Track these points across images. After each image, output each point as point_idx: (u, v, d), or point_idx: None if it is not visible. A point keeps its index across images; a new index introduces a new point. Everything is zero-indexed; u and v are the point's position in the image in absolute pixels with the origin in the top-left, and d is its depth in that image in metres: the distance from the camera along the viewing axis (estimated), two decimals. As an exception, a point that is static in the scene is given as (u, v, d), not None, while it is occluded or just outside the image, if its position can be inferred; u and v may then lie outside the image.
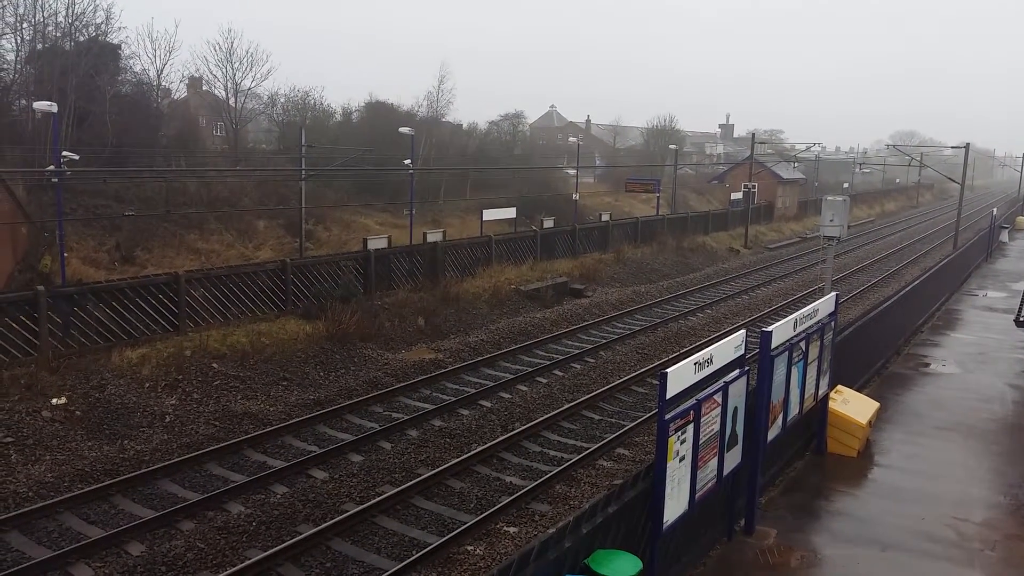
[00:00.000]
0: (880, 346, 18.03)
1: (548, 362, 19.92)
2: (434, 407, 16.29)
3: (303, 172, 29.80)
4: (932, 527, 10.32)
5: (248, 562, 10.35)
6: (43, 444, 13.65)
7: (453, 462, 13.57)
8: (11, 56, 32.54)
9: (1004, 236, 48.16)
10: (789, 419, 11.22)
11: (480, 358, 20.04)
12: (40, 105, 20.70)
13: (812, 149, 69.68)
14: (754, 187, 51.68)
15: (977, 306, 26.69)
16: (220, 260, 27.10)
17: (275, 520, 11.64)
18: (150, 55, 42.04)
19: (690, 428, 8.61)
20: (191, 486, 12.69)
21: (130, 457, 13.56)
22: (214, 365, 17.27)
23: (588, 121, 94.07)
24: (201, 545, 10.90)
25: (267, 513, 11.82)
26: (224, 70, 42.50)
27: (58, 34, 33.12)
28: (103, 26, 34.87)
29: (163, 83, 40.91)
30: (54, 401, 14.86)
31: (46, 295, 16.61)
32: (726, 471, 9.57)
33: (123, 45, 37.75)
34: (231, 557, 10.69)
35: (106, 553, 10.65)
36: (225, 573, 10.08)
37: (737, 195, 53.66)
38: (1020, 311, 11.97)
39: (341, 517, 11.56)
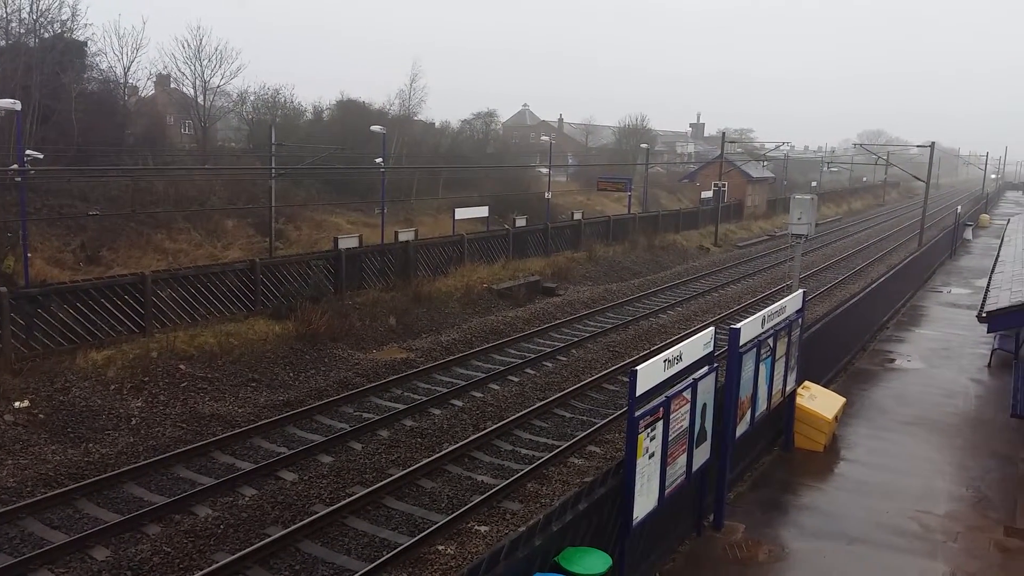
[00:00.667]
0: (846, 342, 18.30)
1: (520, 361, 19.93)
2: (405, 407, 16.22)
3: (273, 171, 29.51)
4: (896, 520, 10.49)
5: (216, 565, 10.22)
6: (5, 448, 13.37)
7: (424, 462, 13.52)
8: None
9: (968, 233, 49.09)
10: (757, 415, 11.35)
11: (452, 357, 20.00)
12: (3, 103, 20.23)
13: (781, 148, 70.53)
14: (724, 186, 52.16)
15: (941, 302, 27.18)
16: (188, 260, 26.73)
17: (243, 523, 11.52)
18: (117, 52, 41.35)
19: (660, 425, 8.67)
20: (158, 489, 12.51)
21: (95, 460, 13.33)
22: (181, 366, 17.05)
23: (560, 120, 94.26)
24: (168, 549, 10.75)
25: (235, 516, 11.69)
26: (192, 67, 41.90)
27: (22, 30, 32.44)
28: (69, 23, 34.21)
29: (130, 81, 40.24)
30: (17, 404, 14.56)
31: (9, 296, 16.26)
32: (695, 467, 9.66)
33: (89, 42, 36.95)
34: (199, 561, 10.56)
35: (70, 559, 10.46)
36: (191, 577, 9.97)
37: (707, 194, 54.12)
38: (983, 307, 12.21)
39: (311, 519, 11.47)
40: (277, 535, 10.99)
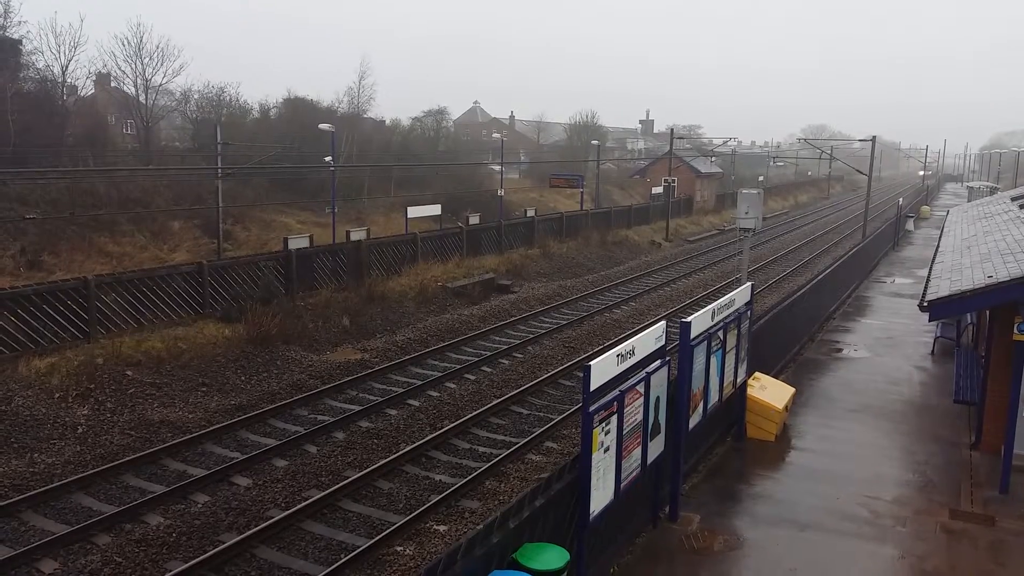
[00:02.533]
0: (795, 333, 18.71)
1: (476, 359, 19.92)
2: (361, 408, 16.08)
3: (219, 171, 28.95)
4: (846, 506, 10.76)
5: (169, 575, 10.02)
6: (-57, 462, 12.89)
7: (381, 463, 13.42)
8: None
9: (910, 225, 50.59)
10: (710, 407, 11.52)
11: (407, 357, 19.89)
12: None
13: (729, 144, 71.76)
14: (674, 181, 52.83)
15: (885, 292, 27.96)
16: (133, 263, 26.10)
17: (196, 530, 11.30)
18: (54, 51, 39.93)
19: (614, 419, 8.73)
20: (107, 499, 12.18)
21: (40, 471, 12.92)
22: (128, 373, 16.62)
23: (512, 117, 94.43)
24: (119, 559, 10.49)
25: (188, 523, 11.45)
26: (133, 66, 40.91)
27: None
28: (1, 20, 33.11)
29: (69, 80, 39.03)
30: (-46, 416, 14.04)
31: (-58, 304, 15.68)
32: (650, 460, 9.76)
33: (24, 40, 35.87)
34: (151, 570, 10.32)
35: (16, 572, 10.12)
36: (144, 587, 9.74)
37: (658, 189, 54.78)
38: (924, 296, 12.59)
39: (266, 524, 11.29)
40: (231, 541, 10.80)
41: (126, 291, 19.16)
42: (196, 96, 46.67)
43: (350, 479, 12.79)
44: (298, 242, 25.12)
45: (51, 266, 24.70)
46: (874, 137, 44.34)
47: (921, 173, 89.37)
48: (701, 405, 11.25)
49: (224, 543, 10.81)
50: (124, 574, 10.22)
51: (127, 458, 13.35)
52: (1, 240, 24.94)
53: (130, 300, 19.20)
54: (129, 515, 11.57)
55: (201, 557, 10.38)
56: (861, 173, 48.20)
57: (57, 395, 15.37)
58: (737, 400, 13.07)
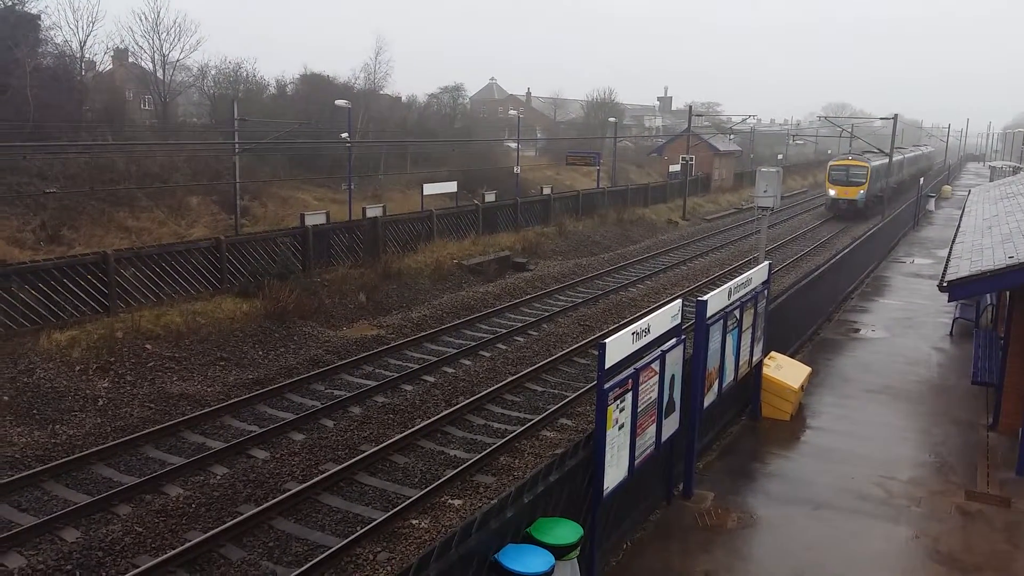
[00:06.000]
0: (812, 313, 18.59)
1: (491, 336, 19.97)
2: (377, 383, 16.19)
3: (236, 146, 29.01)
4: (861, 486, 10.74)
5: (188, 544, 10.19)
6: (-32, 432, 13.13)
7: (397, 437, 13.54)
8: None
9: (931, 205, 49.99)
10: (725, 385, 11.50)
11: (423, 333, 19.97)
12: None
13: (747, 121, 71.05)
14: (691, 160, 52.41)
15: (904, 272, 27.69)
16: (152, 238, 26.29)
17: (215, 501, 11.47)
18: (72, 26, 40.13)
19: (629, 396, 8.75)
20: (127, 470, 12.39)
21: (62, 442, 13.15)
22: (148, 346, 16.82)
23: (528, 94, 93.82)
24: (139, 529, 10.68)
25: (207, 495, 11.63)
26: (151, 41, 40.98)
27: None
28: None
29: (87, 55, 39.21)
30: (-22, 387, 14.28)
31: (-35, 277, 15.89)
32: (664, 437, 9.77)
33: (43, 15, 35.97)
34: (171, 540, 10.50)
35: (40, 540, 10.34)
36: (165, 555, 9.91)
37: (675, 167, 54.35)
38: (944, 276, 12.46)
39: (283, 496, 11.44)
40: (250, 513, 10.96)
41: (145, 266, 19.31)
42: (213, 72, 46.78)
43: (366, 453, 12.92)
44: (315, 218, 25.19)
45: (71, 240, 24.93)
46: (896, 115, 43.77)
47: (925, 149, 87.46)
48: (716, 384, 11.23)
49: (242, 514, 10.97)
50: (144, 544, 10.39)
51: (147, 430, 13.56)
52: (22, 215, 25.17)
53: (149, 275, 19.36)
54: (149, 486, 11.77)
55: (220, 528, 10.55)
56: (882, 152, 47.62)
57: (78, 368, 15.58)
58: (753, 379, 13.04)
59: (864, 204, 46.96)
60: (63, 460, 12.37)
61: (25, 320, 16.72)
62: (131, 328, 17.14)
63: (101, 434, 13.52)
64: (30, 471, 12.00)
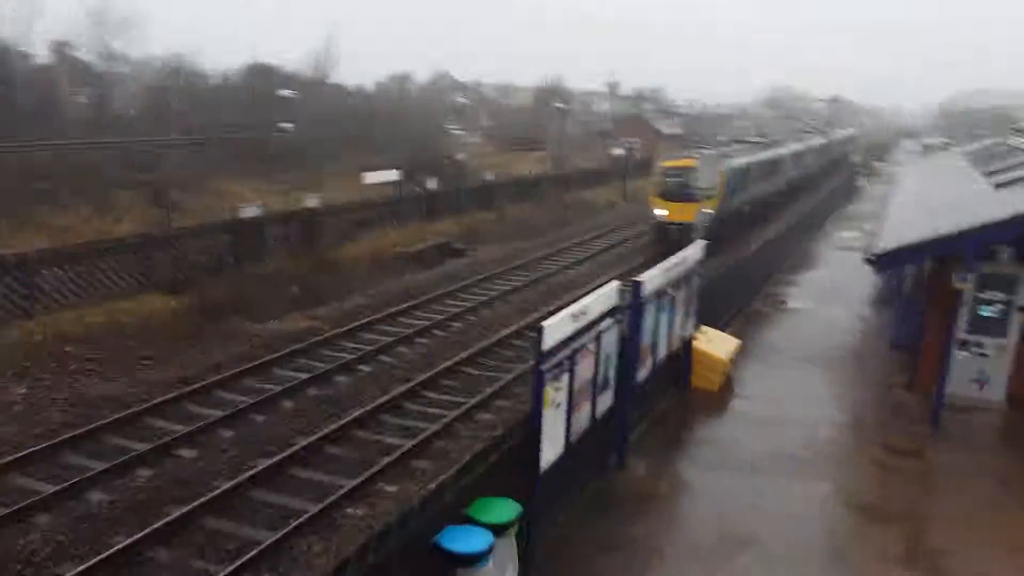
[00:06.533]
0: (743, 287, 18.94)
1: (428, 323, 19.81)
2: (310, 375, 15.90)
3: (173, 140, 28.18)
4: (785, 447, 11.03)
5: (113, 549, 9.87)
6: None
7: (330, 429, 13.33)
8: None
9: (863, 181, 51.37)
10: (658, 360, 11.68)
11: (359, 323, 19.68)
12: None
13: (692, 105, 71.96)
14: (635, 143, 52.88)
15: (833, 246, 28.39)
16: (75, 236, 25.34)
17: (141, 504, 11.12)
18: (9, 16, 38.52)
19: (565, 377, 8.84)
20: (45, 478, 11.90)
21: (-25, 453, 12.60)
22: (68, 348, 16.24)
23: (478, 83, 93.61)
24: (60, 537, 10.30)
25: (131, 498, 11.27)
26: (96, 32, 39.44)
27: None
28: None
29: (21, 48, 37.58)
30: None
31: None
32: (599, 413, 9.88)
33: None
34: (96, 546, 10.14)
35: (-48, 556, 9.91)
36: (89, 562, 9.58)
37: (618, 151, 54.77)
38: (871, 250, 12.91)
39: (213, 495, 11.17)
40: (177, 513, 10.67)
41: (68, 265, 18.66)
42: (158, 63, 45.29)
43: (298, 446, 12.69)
44: (249, 210, 24.65)
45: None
46: (834, 96, 44.71)
47: (850, 131, 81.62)
48: (650, 359, 11.38)
49: (170, 515, 10.67)
50: (67, 552, 10.03)
51: (66, 435, 13.07)
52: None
53: (72, 275, 18.72)
54: (69, 493, 11.34)
55: (147, 530, 10.24)
56: (817, 131, 48.69)
57: (-7, 374, 14.97)
58: (684, 352, 13.22)
59: (710, 230, 25.64)
60: (-24, 472, 11.84)
61: (-64, 327, 16.02)
62: (51, 330, 16.53)
63: (17, 443, 12.89)
64: (-59, 484, 11.47)
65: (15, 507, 10.86)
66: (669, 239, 26.12)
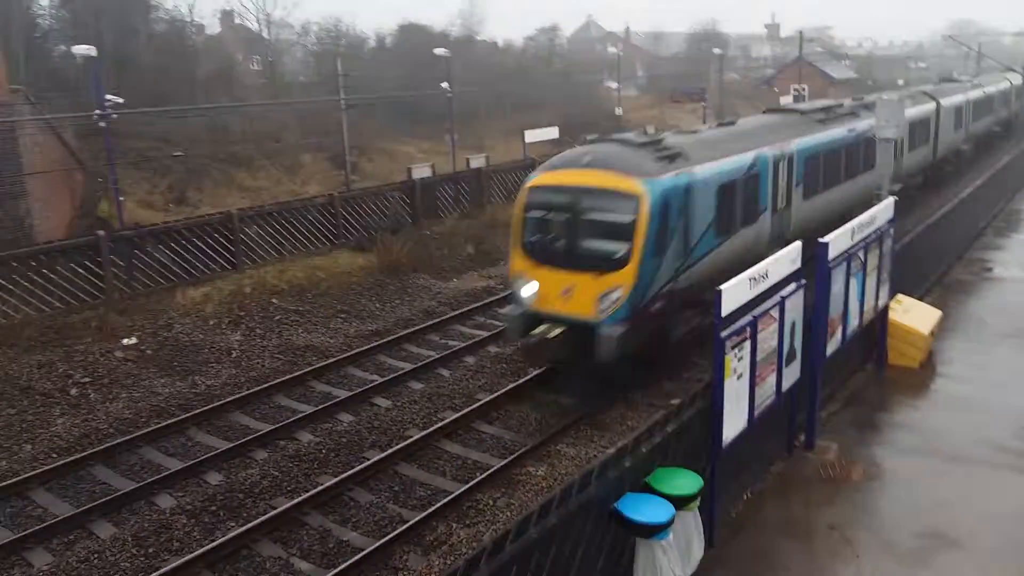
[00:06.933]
0: (941, 252, 17.53)
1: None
2: (489, 334, 16.45)
3: (343, 102, 29.64)
4: (998, 437, 10.19)
5: (321, 487, 10.75)
6: (119, 383, 14.27)
7: (510, 387, 13.74)
8: (45, 0, 32.65)
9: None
10: (848, 332, 11.08)
11: (531, 283, 20.02)
12: (79, 49, 20.80)
13: (863, 45, 66.68)
14: (804, 90, 49.87)
15: (1044, 206, 25.66)
16: (270, 197, 27.40)
17: (343, 447, 12.03)
18: (178, -9, 41.90)
19: (747, 345, 8.56)
20: (261, 417, 13.17)
21: (202, 392, 14.10)
22: (274, 300, 17.69)
23: (627, 30, 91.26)
24: (275, 473, 11.34)
25: (335, 441, 12.21)
26: (254, 1, 42.03)
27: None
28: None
29: (195, 19, 40.76)
30: (125, 341, 15.45)
31: (107, 239, 17.08)
32: (785, 387, 9.54)
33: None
34: (304, 483, 11.10)
35: (187, 483, 11.18)
36: (300, 497, 10.51)
37: (787, 99, 51.86)
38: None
39: (406, 443, 11.88)
40: (376, 458, 11.44)
41: (266, 223, 20.22)
42: (315, 28, 47.68)
43: (482, 402, 13.19)
44: (420, 172, 25.60)
45: (196, 202, 26.34)
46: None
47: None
48: (840, 330, 10.84)
49: (369, 460, 11.47)
50: (280, 486, 11.04)
51: (277, 380, 14.34)
52: (150, 178, 26.73)
53: (270, 232, 20.27)
54: (282, 433, 12.48)
55: (349, 472, 11.08)
56: (1014, 71, 43.79)
57: (211, 322, 16.59)
58: (878, 325, 12.49)
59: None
60: (203, 408, 13.26)
61: (161, 278, 17.87)
62: (258, 283, 18.07)
63: (236, 384, 14.40)
64: (175, 419, 12.94)
65: (237, 442, 12.11)
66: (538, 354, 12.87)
